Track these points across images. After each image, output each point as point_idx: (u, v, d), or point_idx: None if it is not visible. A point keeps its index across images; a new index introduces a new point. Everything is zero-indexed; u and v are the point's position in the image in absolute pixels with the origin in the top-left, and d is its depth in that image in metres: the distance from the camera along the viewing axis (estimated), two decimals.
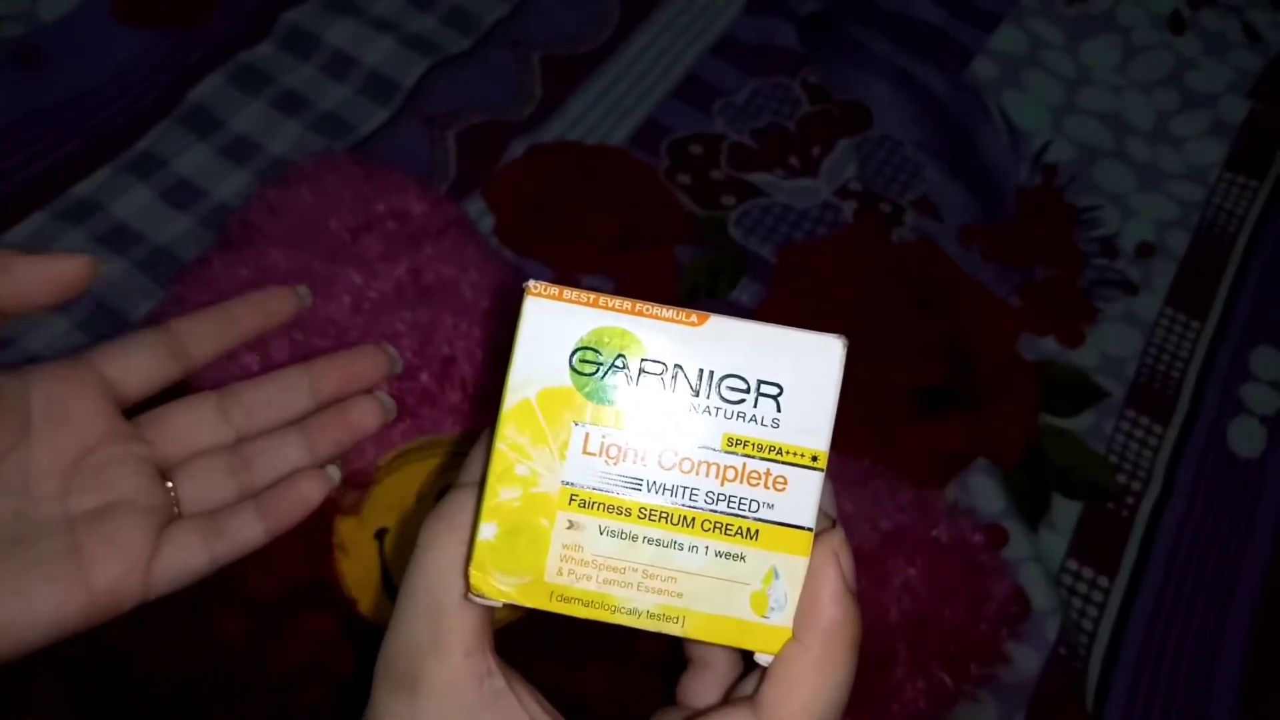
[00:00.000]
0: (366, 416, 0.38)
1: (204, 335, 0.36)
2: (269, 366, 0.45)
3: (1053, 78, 0.69)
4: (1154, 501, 0.53)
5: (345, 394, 0.39)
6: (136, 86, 0.60)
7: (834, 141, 0.64)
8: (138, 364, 0.34)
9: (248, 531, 0.34)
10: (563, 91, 0.64)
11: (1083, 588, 0.51)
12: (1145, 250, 0.62)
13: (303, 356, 0.45)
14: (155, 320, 0.48)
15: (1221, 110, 0.69)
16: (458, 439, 0.45)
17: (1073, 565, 0.51)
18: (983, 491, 0.52)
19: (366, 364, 0.39)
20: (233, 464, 0.35)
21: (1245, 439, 0.56)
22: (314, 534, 0.42)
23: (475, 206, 0.58)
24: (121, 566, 0.31)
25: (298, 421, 0.37)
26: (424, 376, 0.45)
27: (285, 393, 0.37)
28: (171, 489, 0.34)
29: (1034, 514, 0.52)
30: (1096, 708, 0.48)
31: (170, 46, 0.62)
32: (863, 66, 0.68)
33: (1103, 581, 0.51)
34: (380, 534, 0.43)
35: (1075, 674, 0.48)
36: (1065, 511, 0.53)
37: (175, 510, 0.33)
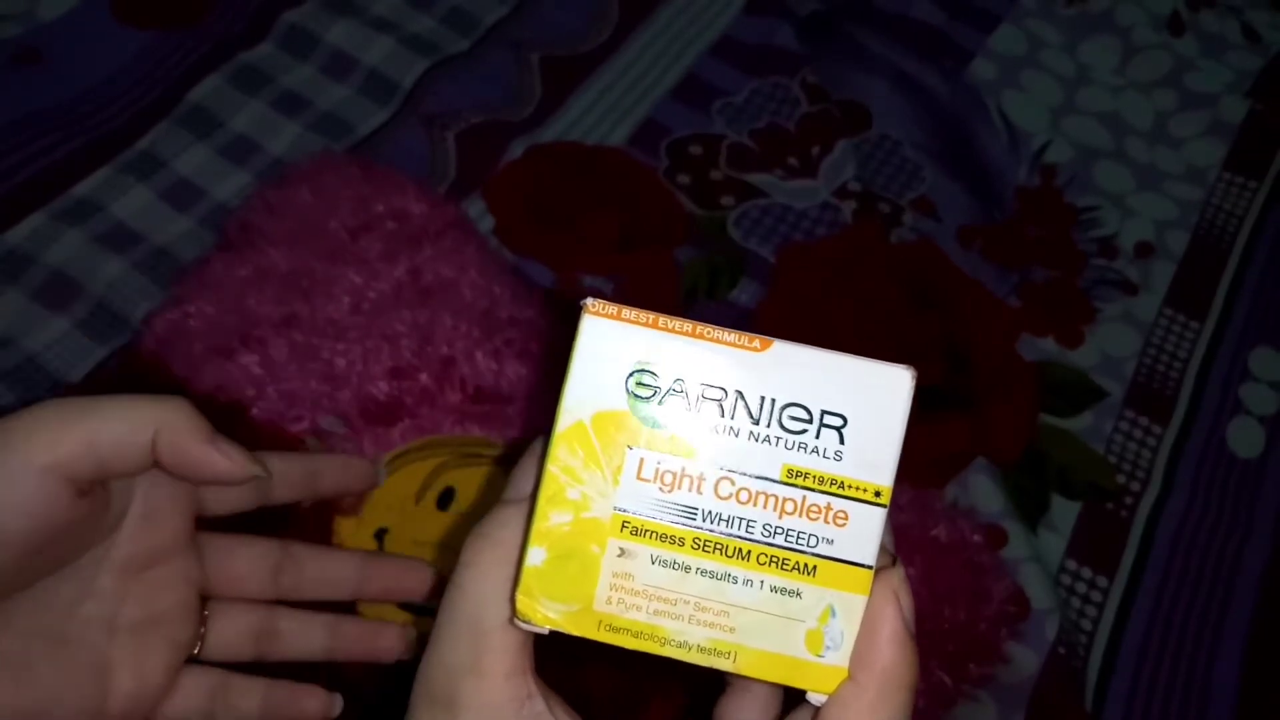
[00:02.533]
0: (387, 647, 0.37)
1: (288, 480, 0.35)
2: (268, 366, 0.45)
3: (1052, 78, 0.69)
4: (1153, 501, 0.54)
5: (384, 600, 0.39)
6: (136, 86, 0.60)
7: (833, 142, 0.64)
8: (229, 491, 0.32)
9: (245, 715, 0.33)
10: (562, 92, 0.64)
11: (1082, 587, 0.51)
12: (1144, 250, 0.62)
13: (301, 357, 0.45)
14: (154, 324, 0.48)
15: (1220, 110, 0.69)
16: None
17: (1072, 565, 0.51)
18: (982, 491, 0.52)
19: (415, 579, 0.38)
20: (261, 629, 0.34)
21: (1245, 439, 0.56)
22: (314, 534, 0.42)
23: (475, 206, 0.58)
24: (138, 693, 0.29)
25: (330, 608, 0.36)
26: (423, 377, 0.45)
27: (337, 575, 0.36)
28: (203, 628, 0.33)
29: (1033, 514, 0.52)
30: (1096, 707, 0.48)
31: (170, 46, 0.62)
32: (862, 66, 0.68)
33: (1101, 581, 0.51)
34: (380, 534, 0.43)
35: (1074, 673, 0.48)
36: (1064, 511, 0.53)
37: (198, 648, 0.32)
